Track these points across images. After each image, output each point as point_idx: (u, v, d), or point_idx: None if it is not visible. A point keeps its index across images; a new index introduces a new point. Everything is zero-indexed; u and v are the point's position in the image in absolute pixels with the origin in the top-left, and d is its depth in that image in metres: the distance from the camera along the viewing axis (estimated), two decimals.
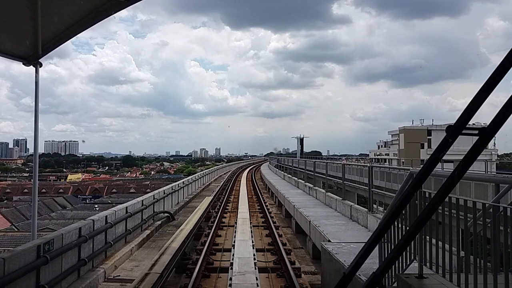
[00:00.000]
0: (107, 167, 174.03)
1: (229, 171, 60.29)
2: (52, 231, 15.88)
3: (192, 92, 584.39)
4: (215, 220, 15.80)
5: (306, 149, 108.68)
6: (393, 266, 4.42)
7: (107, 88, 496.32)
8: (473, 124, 1.47)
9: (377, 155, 73.78)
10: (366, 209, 11.68)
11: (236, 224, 14.49)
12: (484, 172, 19.67)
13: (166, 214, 16.83)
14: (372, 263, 3.20)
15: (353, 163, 45.05)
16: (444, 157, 1.45)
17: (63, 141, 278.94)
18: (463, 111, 1.40)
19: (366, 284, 1.55)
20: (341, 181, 16.50)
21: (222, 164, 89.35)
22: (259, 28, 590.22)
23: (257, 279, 8.01)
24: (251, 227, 13.65)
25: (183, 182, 24.28)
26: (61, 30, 8.84)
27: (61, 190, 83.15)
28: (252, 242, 11.28)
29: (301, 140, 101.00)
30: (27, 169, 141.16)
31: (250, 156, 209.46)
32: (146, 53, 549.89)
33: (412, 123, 65.14)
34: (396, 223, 4.74)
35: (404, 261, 4.58)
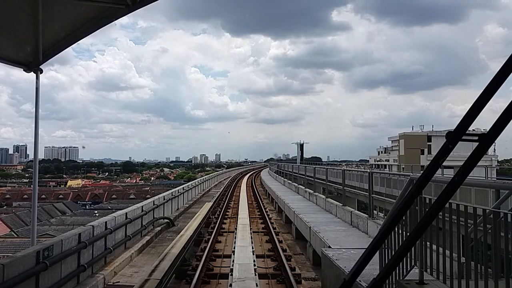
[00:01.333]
0: (107, 173, 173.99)
1: (229, 177, 60.23)
2: (52, 237, 15.86)
3: (192, 98, 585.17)
4: (215, 226, 15.77)
5: (306, 155, 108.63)
6: (394, 272, 4.40)
7: (108, 94, 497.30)
8: (473, 130, 1.47)
9: (377, 161, 73.78)
10: (367, 215, 11.65)
11: (236, 230, 14.45)
12: (484, 178, 19.63)
13: (166, 220, 16.79)
14: (372, 269, 3.19)
15: (353, 169, 44.98)
16: (444, 163, 1.45)
17: (63, 147, 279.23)
18: (463, 117, 1.40)
19: None
20: (341, 187, 16.48)
21: (222, 170, 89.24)
22: (259, 34, 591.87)
23: (257, 285, 7.98)
24: (251, 233, 13.61)
25: (183, 188, 24.24)
26: (62, 36, 8.88)
27: (61, 196, 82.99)
28: (252, 248, 11.24)
29: (301, 146, 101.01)
30: (27, 175, 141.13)
31: (250, 162, 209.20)
32: (147, 59, 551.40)
33: (412, 129, 65.27)
34: (396, 229, 4.73)
35: (404, 267, 4.56)
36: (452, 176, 1.45)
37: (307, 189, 21.82)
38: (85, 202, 78.45)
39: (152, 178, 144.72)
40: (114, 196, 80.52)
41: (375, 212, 15.07)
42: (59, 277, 7.52)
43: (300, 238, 14.15)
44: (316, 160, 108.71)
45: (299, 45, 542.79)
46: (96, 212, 40.79)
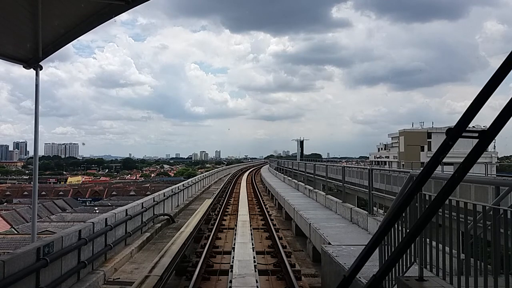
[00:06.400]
0: (107, 170, 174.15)
1: (229, 174, 60.21)
2: (52, 233, 15.85)
3: (192, 95, 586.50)
4: (215, 222, 15.78)
5: (306, 151, 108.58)
6: (393, 269, 4.41)
7: (108, 91, 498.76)
8: (473, 127, 1.47)
9: (377, 158, 73.71)
10: (366, 212, 11.67)
11: (236, 226, 14.48)
12: (484, 175, 19.63)
13: (166, 217, 16.81)
14: (372, 265, 3.21)
15: (353, 165, 44.96)
16: (444, 160, 1.45)
17: (63, 144, 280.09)
18: (463, 114, 1.40)
19: (366, 286, 1.55)
20: (341, 183, 16.48)
21: (222, 166, 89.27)
22: (258, 31, 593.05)
23: (257, 281, 8.00)
24: (251, 230, 13.63)
25: (183, 184, 24.25)
26: (61, 33, 8.84)
27: (61, 193, 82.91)
28: (252, 244, 11.27)
29: (301, 143, 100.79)
30: (27, 171, 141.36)
31: (250, 159, 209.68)
32: (146, 56, 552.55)
33: (412, 126, 65.09)
34: (396, 225, 4.74)
35: (404, 264, 4.57)
36: (452, 172, 1.45)
37: (307, 186, 21.83)
38: (85, 199, 78.36)
39: (152, 175, 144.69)
40: (114, 193, 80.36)
41: (375, 208, 15.07)
42: (59, 274, 7.54)
43: (300, 234, 14.16)
44: (316, 157, 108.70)
45: (299, 42, 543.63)
46: (96, 208, 40.73)
